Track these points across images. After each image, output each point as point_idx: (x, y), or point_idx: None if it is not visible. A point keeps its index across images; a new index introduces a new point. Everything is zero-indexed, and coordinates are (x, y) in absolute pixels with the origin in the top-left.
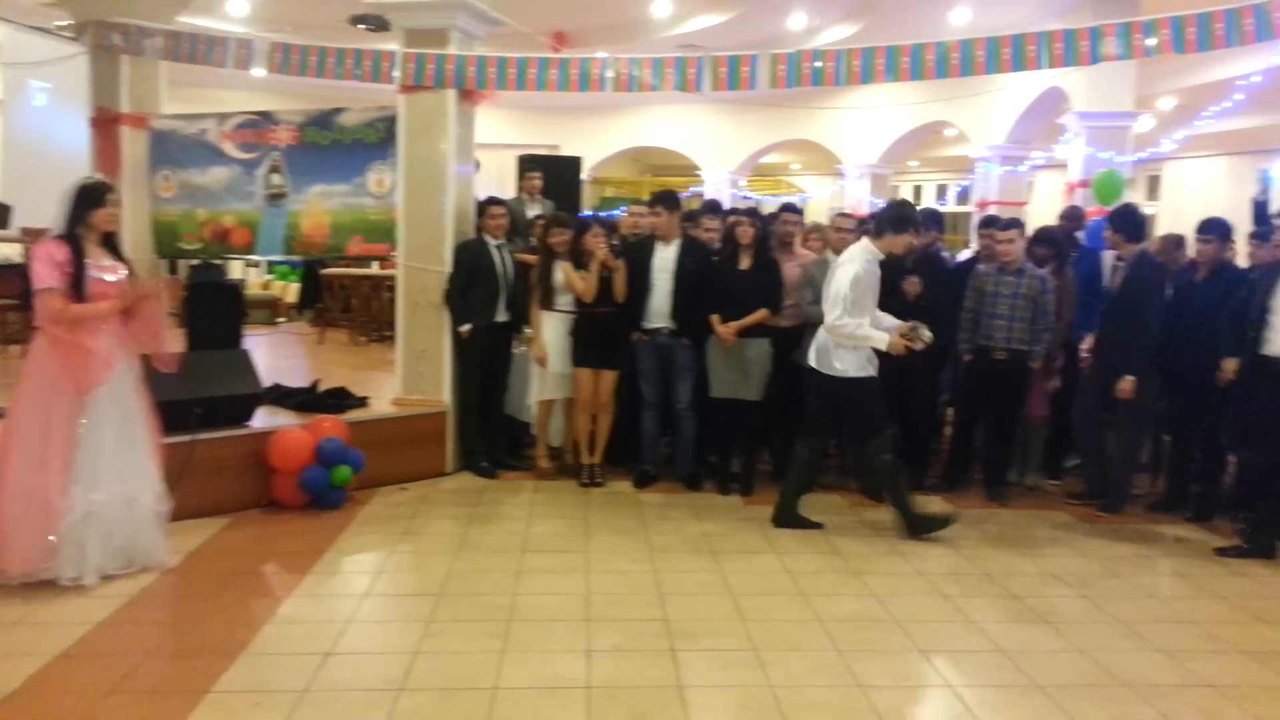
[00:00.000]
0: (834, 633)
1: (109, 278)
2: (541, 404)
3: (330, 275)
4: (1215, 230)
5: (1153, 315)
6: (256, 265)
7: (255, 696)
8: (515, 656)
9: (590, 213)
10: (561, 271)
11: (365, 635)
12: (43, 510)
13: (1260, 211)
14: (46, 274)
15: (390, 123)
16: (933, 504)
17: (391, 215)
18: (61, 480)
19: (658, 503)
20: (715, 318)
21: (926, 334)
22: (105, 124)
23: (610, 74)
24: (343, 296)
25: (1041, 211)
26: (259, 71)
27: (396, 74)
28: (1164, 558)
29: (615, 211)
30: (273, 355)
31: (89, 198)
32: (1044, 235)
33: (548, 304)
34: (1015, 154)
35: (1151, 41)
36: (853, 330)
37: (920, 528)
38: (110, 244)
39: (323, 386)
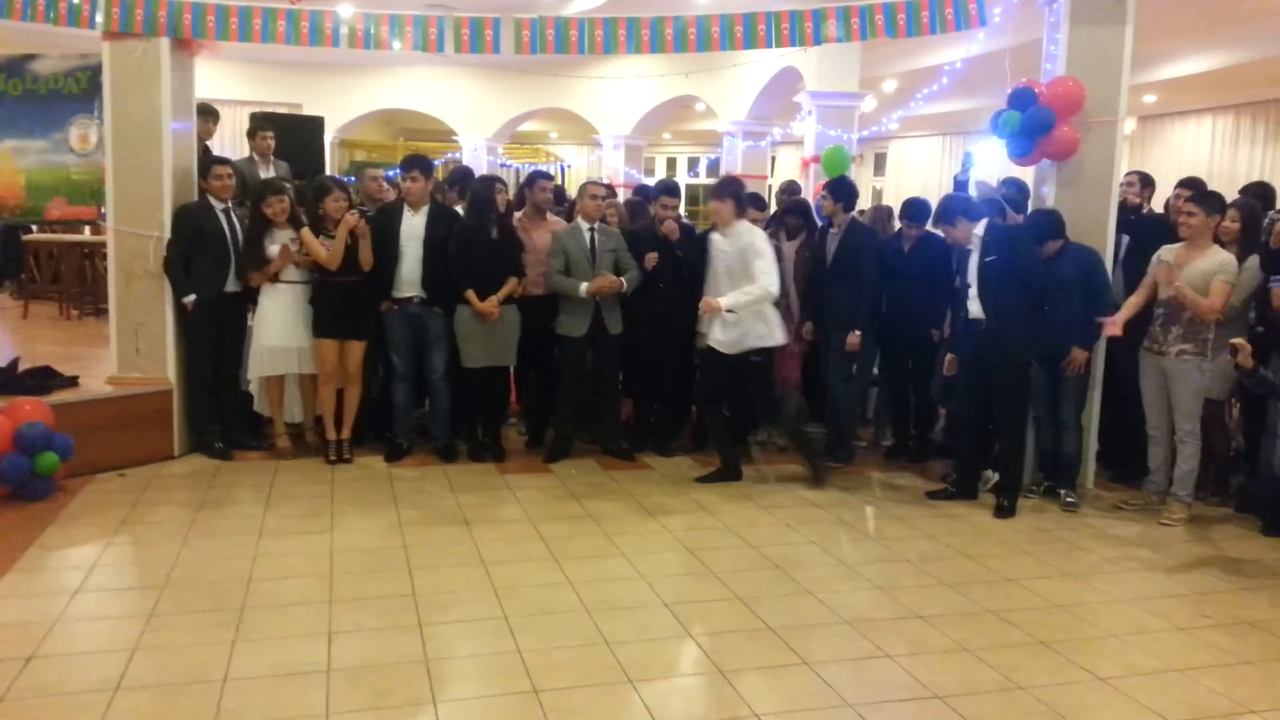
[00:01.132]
0: (583, 594)
1: None
2: (267, 381)
3: (34, 241)
4: (915, 217)
5: (868, 273)
6: None
7: None
8: (248, 645)
9: (337, 176)
10: (279, 240)
11: (76, 635)
12: None
13: (959, 189)
14: None
15: (94, 72)
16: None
17: (99, 175)
18: None
19: (410, 476)
20: (472, 294)
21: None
22: None
23: (345, 29)
24: (50, 265)
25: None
26: None
27: (100, 19)
28: (883, 502)
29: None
30: None
31: None
32: (796, 207)
33: (250, 274)
34: (757, 129)
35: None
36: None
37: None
38: None
39: (24, 365)
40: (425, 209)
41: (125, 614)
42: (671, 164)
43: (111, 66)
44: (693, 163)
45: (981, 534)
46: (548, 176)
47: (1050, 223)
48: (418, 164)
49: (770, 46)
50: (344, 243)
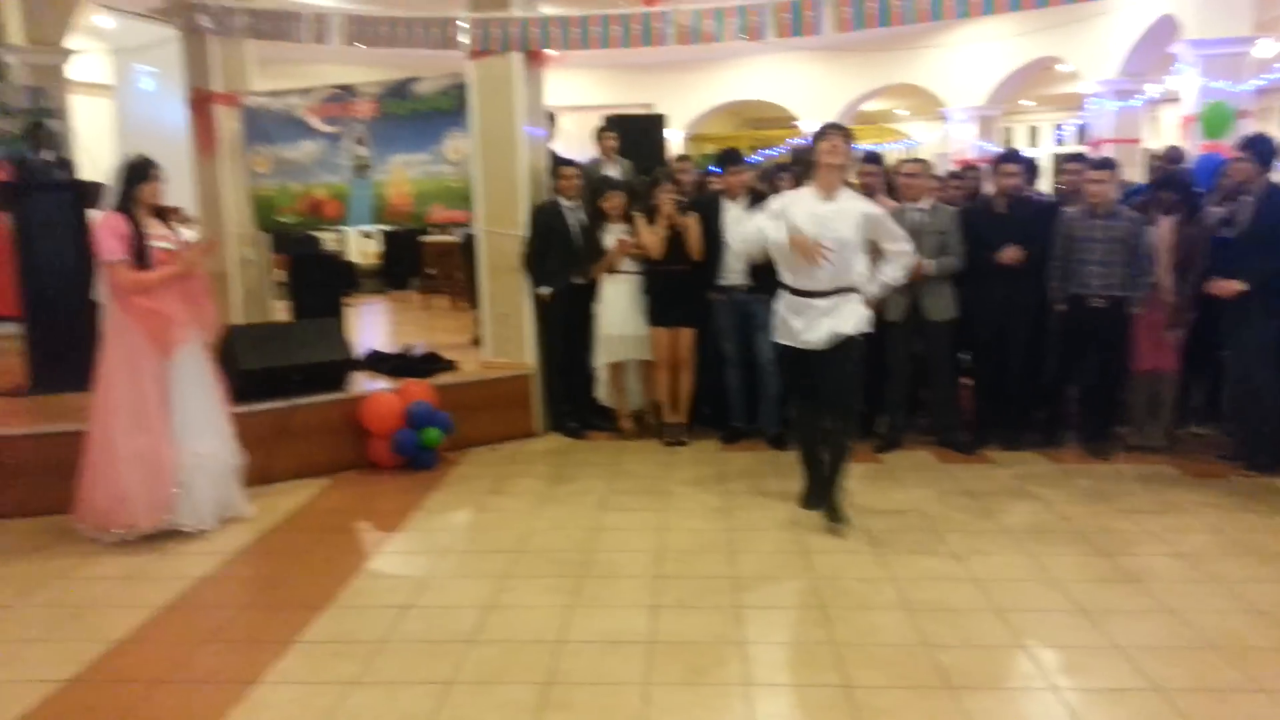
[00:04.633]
0: (906, 591)
1: (163, 245)
2: (610, 367)
3: (429, 243)
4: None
5: None
6: (372, 236)
7: (337, 646)
8: (582, 611)
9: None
10: (614, 234)
11: (444, 590)
12: (155, 467)
13: None
14: (113, 246)
15: (462, 89)
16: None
17: (468, 181)
18: (166, 438)
19: (740, 461)
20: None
21: None
22: (201, 104)
23: (672, 28)
24: (445, 263)
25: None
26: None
27: (464, 39)
28: (1273, 514)
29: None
30: (381, 322)
31: (135, 174)
32: (1169, 180)
33: (593, 267)
34: (1129, 88)
35: None
36: None
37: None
38: (160, 215)
39: (416, 351)
40: (743, 199)
41: (484, 574)
42: (1033, 133)
43: (476, 83)
44: (1057, 128)
45: None
46: (875, 159)
47: None
48: (734, 159)
49: None
50: (664, 231)
